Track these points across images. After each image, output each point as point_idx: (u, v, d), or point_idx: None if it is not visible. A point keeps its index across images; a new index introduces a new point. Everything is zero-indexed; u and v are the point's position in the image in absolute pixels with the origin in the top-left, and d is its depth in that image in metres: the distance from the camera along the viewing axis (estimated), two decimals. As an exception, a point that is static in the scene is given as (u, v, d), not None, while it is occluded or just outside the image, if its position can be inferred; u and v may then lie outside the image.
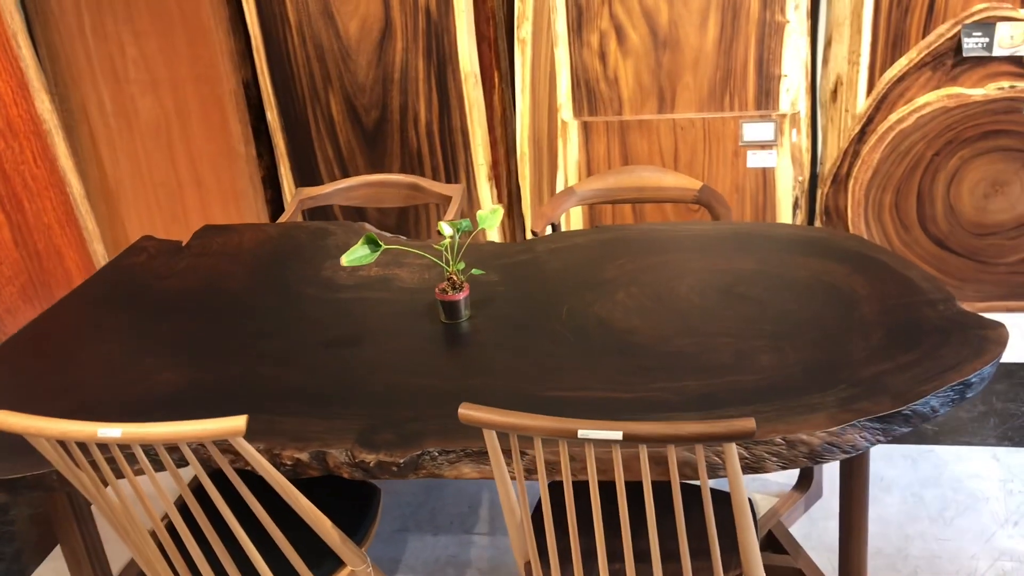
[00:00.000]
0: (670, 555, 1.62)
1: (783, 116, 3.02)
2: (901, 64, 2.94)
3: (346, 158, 3.48)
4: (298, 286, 2.16)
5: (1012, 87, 2.85)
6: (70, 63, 3.59)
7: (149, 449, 1.64)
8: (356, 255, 1.85)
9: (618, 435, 1.19)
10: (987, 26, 2.84)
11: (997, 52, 2.87)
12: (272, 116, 3.45)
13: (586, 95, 3.13)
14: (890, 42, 2.99)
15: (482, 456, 1.54)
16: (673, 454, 1.29)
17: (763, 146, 3.05)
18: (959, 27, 2.87)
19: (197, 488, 1.94)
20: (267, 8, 3.29)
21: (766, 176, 3.08)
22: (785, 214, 3.11)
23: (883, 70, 3.01)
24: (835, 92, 3.16)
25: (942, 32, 2.89)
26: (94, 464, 1.59)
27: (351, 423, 1.63)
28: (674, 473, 1.30)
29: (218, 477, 1.93)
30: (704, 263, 2.08)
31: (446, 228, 1.92)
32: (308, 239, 2.41)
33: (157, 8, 3.47)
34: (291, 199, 2.72)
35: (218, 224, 2.59)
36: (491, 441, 1.33)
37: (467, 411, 1.27)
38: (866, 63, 3.01)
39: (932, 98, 2.90)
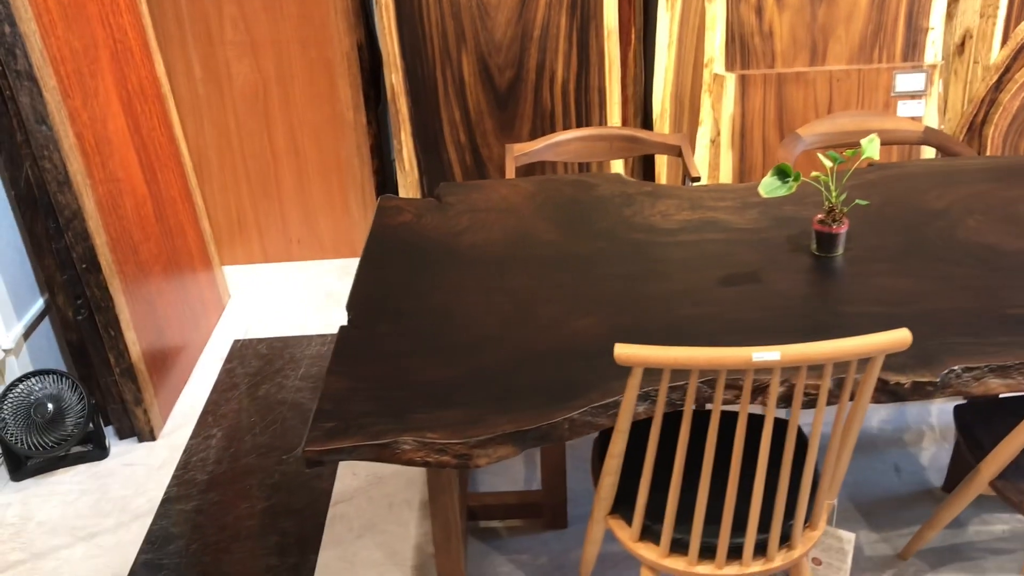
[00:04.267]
0: None
1: (933, 67, 3.16)
2: (1037, 15, 3.14)
3: (473, 121, 3.35)
4: (622, 233, 2.07)
5: None
6: (156, 24, 3.27)
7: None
8: (773, 186, 1.80)
9: None
10: (1119, -21, 3.07)
11: (1125, 3, 3.10)
12: (396, 79, 3.27)
13: (739, 49, 3.15)
14: (1025, -5, 3.17)
15: (1007, 370, 1.55)
16: None
17: (913, 96, 3.17)
18: (1093, -20, 3.08)
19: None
20: (401, -38, 3.12)
21: (913, 125, 3.21)
22: (929, 161, 3.25)
23: (1017, 22, 3.20)
24: (962, 45, 3.33)
25: (1077, -15, 3.10)
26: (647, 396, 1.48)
27: (847, 350, 1.59)
28: None
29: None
30: (1019, 191, 2.16)
31: (826, 160, 1.90)
32: (577, 192, 2.31)
33: (264, -37, 3.21)
34: (507, 157, 2.60)
35: (455, 182, 2.44)
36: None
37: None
38: (1003, 16, 3.19)
39: (1069, 46, 3.11)
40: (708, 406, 1.99)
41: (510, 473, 2.49)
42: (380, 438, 1.47)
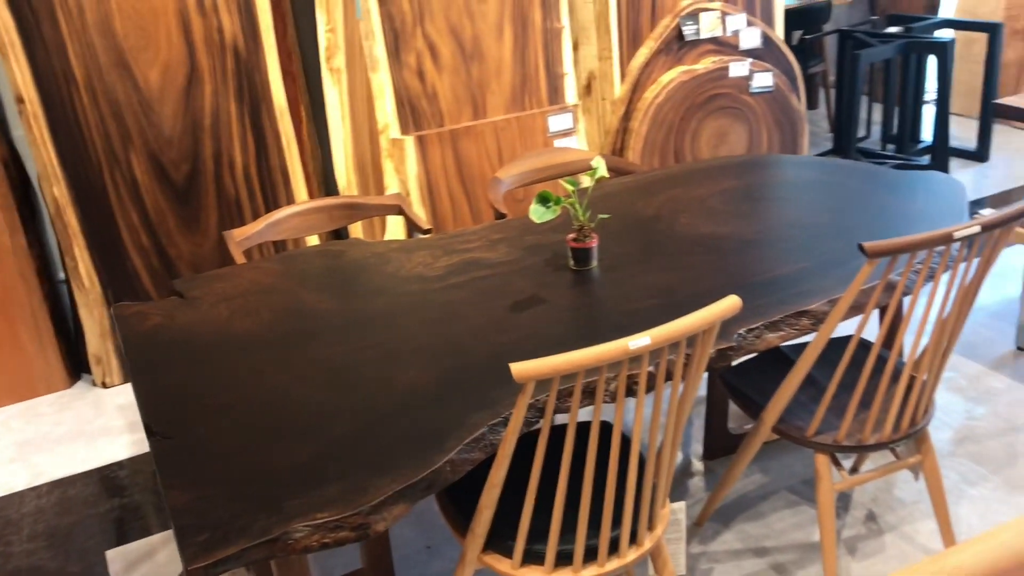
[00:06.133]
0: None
1: (575, 106, 3.56)
2: (644, 53, 3.68)
3: (155, 222, 3.15)
4: (396, 287, 2.10)
5: (719, 60, 3.76)
6: None
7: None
8: (541, 212, 1.95)
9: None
10: (695, 16, 3.71)
11: (704, 35, 3.76)
12: (59, 191, 2.98)
13: (410, 113, 3.31)
14: (631, 38, 3.71)
15: (777, 324, 1.82)
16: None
17: (565, 133, 3.55)
18: (677, 19, 3.69)
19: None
20: (45, 67, 2.87)
21: (570, 159, 3.58)
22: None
23: (629, 60, 3.72)
24: (589, 86, 3.79)
25: (667, 24, 3.69)
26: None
27: (653, 339, 1.77)
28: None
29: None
30: (702, 189, 2.53)
31: (567, 185, 2.10)
32: (327, 261, 2.30)
33: None
34: (229, 244, 2.48)
35: (191, 276, 2.29)
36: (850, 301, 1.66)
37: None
38: (617, 57, 3.69)
39: (673, 75, 3.69)
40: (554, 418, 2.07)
41: (324, 554, 2.36)
42: (267, 534, 1.36)
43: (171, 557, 2.41)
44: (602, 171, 2.12)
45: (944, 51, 4.29)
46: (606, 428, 1.95)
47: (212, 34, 3.06)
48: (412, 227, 2.62)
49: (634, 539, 1.70)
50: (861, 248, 1.64)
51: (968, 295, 1.85)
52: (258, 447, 1.56)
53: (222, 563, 1.33)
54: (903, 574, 1.14)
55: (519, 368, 1.32)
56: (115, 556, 2.43)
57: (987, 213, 2.12)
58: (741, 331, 1.79)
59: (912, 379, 2.07)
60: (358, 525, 1.41)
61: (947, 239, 1.66)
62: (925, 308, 1.82)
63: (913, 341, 1.84)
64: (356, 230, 3.47)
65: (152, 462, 2.84)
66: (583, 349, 1.36)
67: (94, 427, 3.03)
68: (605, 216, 2.18)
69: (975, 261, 2.36)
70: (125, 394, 3.21)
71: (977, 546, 1.21)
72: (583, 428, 1.97)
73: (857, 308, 1.88)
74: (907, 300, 3.04)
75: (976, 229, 1.67)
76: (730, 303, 1.45)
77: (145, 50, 2.99)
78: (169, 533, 2.51)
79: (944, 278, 3.15)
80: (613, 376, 1.66)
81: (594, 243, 2.11)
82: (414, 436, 1.55)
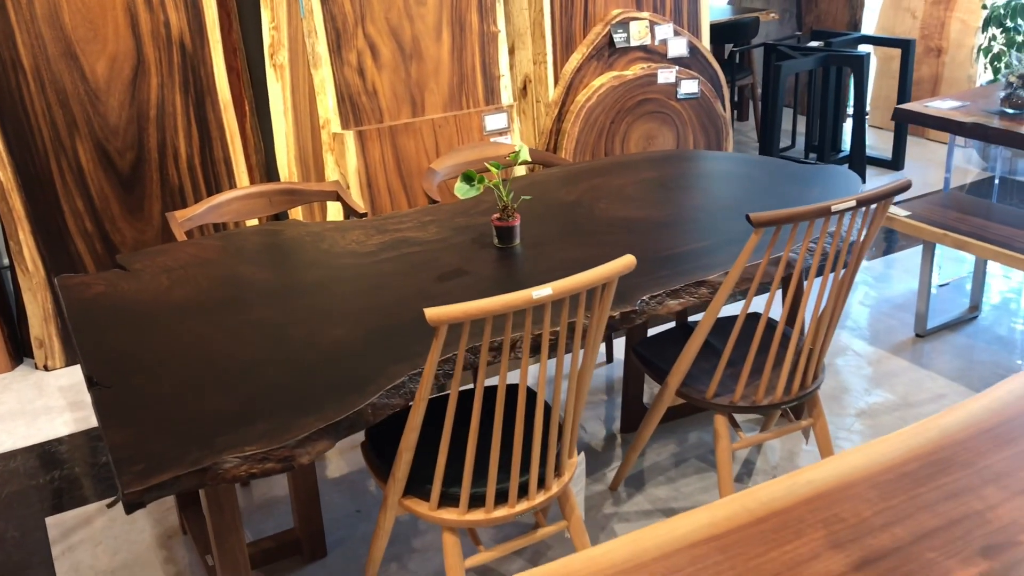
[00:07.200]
0: (764, 346, 2.23)
1: (510, 107, 3.73)
2: (576, 59, 3.87)
3: (99, 208, 3.24)
4: (330, 261, 2.24)
5: (648, 67, 3.96)
6: None
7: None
8: (465, 189, 2.10)
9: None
10: (625, 25, 3.91)
11: (634, 43, 3.95)
12: (5, 175, 3.06)
13: (351, 109, 3.45)
14: (564, 43, 3.89)
15: (677, 292, 1.99)
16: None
17: (500, 132, 3.71)
18: (608, 27, 3.89)
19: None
20: (-8, 53, 2.95)
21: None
22: (523, 186, 3.80)
23: (562, 65, 3.91)
24: (524, 89, 3.97)
25: (598, 31, 3.88)
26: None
27: (563, 303, 1.93)
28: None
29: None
30: (622, 179, 2.71)
31: (493, 168, 2.26)
32: (265, 239, 2.42)
33: None
34: (172, 224, 2.59)
35: (135, 252, 2.40)
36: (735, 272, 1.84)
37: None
38: (551, 61, 3.87)
39: (604, 80, 3.88)
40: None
41: (258, 518, 2.48)
42: (198, 464, 1.49)
43: (107, 524, 2.50)
44: (524, 155, 2.29)
45: (860, 64, 4.55)
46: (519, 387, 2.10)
47: (159, 28, 3.17)
48: (349, 212, 2.75)
49: (542, 484, 1.85)
50: (748, 219, 1.82)
51: (850, 269, 2.04)
52: (192, 394, 1.68)
53: (156, 488, 1.46)
54: (765, 486, 1.31)
55: (432, 312, 1.47)
56: (53, 523, 2.51)
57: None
58: (644, 297, 1.96)
59: (800, 347, 2.26)
60: (283, 457, 1.54)
61: (826, 211, 1.84)
62: (807, 281, 2.00)
63: (799, 313, 2.03)
64: (295, 216, 3.59)
65: (85, 443, 2.92)
66: (492, 298, 1.51)
67: (35, 407, 3.10)
68: (527, 197, 2.34)
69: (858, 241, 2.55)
70: (67, 377, 3.28)
71: (827, 464, 1.39)
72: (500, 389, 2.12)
73: (747, 280, 2.06)
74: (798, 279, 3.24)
75: (852, 203, 1.86)
76: (625, 261, 1.62)
77: (93, 42, 3.09)
78: (106, 502, 2.60)
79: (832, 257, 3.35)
80: (520, 336, 1.81)
81: (516, 222, 2.26)
82: (338, 383, 1.69)
